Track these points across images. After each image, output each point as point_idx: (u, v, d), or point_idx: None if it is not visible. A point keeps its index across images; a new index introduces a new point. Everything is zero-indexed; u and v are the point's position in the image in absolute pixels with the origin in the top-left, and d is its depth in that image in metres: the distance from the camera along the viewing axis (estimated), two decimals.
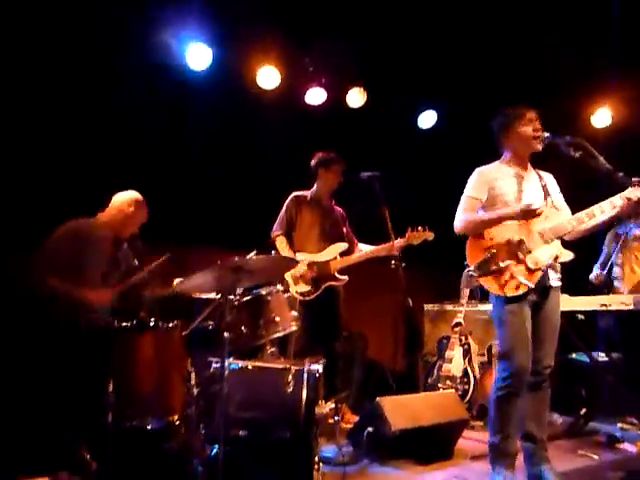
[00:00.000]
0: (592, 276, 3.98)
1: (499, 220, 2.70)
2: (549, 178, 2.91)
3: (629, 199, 2.58)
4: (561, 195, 2.89)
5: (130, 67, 3.90)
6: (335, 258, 3.85)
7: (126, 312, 2.86)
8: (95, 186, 3.54)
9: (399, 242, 3.74)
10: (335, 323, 3.91)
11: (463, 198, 2.84)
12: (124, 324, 2.42)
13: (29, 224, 3.39)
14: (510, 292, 2.62)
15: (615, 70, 4.51)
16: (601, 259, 4.05)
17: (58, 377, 2.50)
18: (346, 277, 3.86)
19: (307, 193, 4.02)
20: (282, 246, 3.84)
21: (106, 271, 3.02)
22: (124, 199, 3.14)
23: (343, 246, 3.91)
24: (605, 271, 3.93)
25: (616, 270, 3.97)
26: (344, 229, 4.05)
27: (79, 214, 3.09)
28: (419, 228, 3.78)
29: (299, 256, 3.80)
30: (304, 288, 3.74)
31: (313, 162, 4.00)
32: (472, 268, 2.69)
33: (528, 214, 2.65)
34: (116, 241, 3.10)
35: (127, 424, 2.27)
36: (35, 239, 3.04)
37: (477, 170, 2.87)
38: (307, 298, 3.72)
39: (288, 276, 3.77)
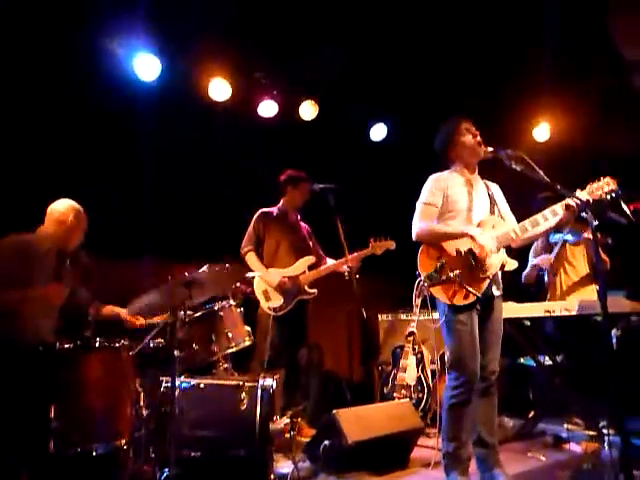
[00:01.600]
0: (524, 274, 4.12)
1: (461, 235, 2.74)
2: (495, 188, 3.02)
3: (568, 206, 2.70)
4: (507, 205, 3.00)
5: (77, 76, 3.79)
6: (304, 272, 3.90)
7: (70, 331, 2.74)
8: (39, 198, 3.38)
9: (363, 252, 3.85)
10: (302, 334, 3.97)
11: (419, 205, 2.87)
12: (68, 345, 2.30)
13: None
14: (459, 301, 2.69)
15: (555, 85, 4.74)
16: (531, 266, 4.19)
17: None
18: (315, 290, 3.93)
19: (274, 209, 4.09)
20: (252, 260, 3.89)
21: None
22: (61, 209, 2.99)
23: (311, 259, 3.98)
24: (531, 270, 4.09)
25: (546, 277, 4.14)
26: (310, 243, 4.12)
27: (20, 226, 2.94)
28: (381, 238, 3.87)
29: (270, 271, 3.84)
30: (276, 303, 3.78)
31: (282, 178, 4.09)
32: (423, 278, 2.76)
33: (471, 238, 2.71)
34: (60, 255, 2.96)
35: (72, 450, 2.17)
36: None
37: (431, 177, 2.92)
38: (279, 313, 3.74)
39: (259, 293, 3.79)
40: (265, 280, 3.82)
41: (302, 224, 4.18)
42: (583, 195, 2.66)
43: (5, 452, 2.24)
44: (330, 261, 4.04)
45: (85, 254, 3.13)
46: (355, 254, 3.84)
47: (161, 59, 4.15)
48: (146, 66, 4.11)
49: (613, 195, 2.64)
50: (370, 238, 3.89)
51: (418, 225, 2.84)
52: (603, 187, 2.68)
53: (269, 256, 3.94)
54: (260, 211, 4.05)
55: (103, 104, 3.96)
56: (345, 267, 3.87)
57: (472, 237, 2.71)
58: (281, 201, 4.12)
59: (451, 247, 2.76)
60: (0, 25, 3.45)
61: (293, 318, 3.84)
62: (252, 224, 4.01)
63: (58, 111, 3.82)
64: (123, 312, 3.02)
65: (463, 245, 2.74)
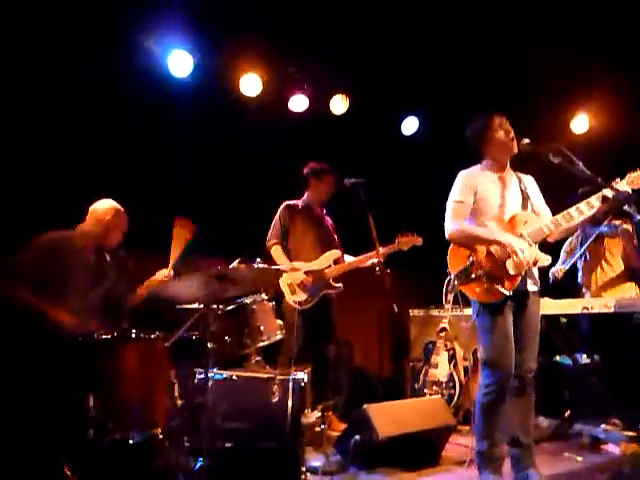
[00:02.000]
0: (553, 270, 3.93)
1: (490, 242, 2.69)
2: (529, 181, 2.94)
3: (605, 198, 2.61)
4: (541, 196, 2.92)
5: (112, 73, 3.86)
6: (330, 266, 3.88)
7: (108, 323, 2.81)
8: (76, 194, 3.48)
9: (389, 248, 3.80)
10: (329, 330, 3.95)
11: (450, 204, 2.82)
12: (105, 336, 2.36)
13: (7, 232, 3.34)
14: (490, 299, 2.65)
15: (593, 77, 4.59)
16: (564, 259, 4.05)
17: (38, 390, 2.43)
18: (341, 285, 3.90)
19: (299, 202, 4.07)
20: (278, 254, 3.86)
21: (88, 285, 2.94)
22: (102, 208, 3.07)
23: (337, 254, 3.95)
24: (567, 267, 3.92)
25: (580, 270, 4.00)
26: (335, 237, 4.09)
27: (60, 223, 3.03)
28: (408, 233, 3.81)
29: (296, 265, 3.82)
30: (301, 297, 3.77)
31: (305, 171, 4.05)
32: (453, 276, 2.73)
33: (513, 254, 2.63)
34: (98, 251, 3.04)
35: (109, 438, 2.22)
36: (12, 248, 2.98)
37: (461, 174, 2.88)
38: (304, 307, 3.73)
39: (284, 285, 3.79)
40: (290, 274, 3.80)
41: (327, 218, 4.15)
42: (622, 186, 2.57)
43: (46, 439, 2.31)
44: (348, 257, 4.00)
45: (124, 250, 3.20)
46: (381, 250, 3.76)
47: (194, 55, 4.20)
48: (179, 63, 4.17)
49: None
50: (397, 234, 3.83)
51: (451, 225, 2.79)
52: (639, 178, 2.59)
53: (294, 249, 3.92)
54: (285, 204, 4.02)
55: (137, 101, 4.02)
56: (371, 262, 3.83)
57: (501, 243, 2.64)
58: (305, 194, 4.08)
59: (482, 245, 2.71)
60: (36, 21, 3.53)
61: (318, 313, 3.82)
62: (277, 217, 3.98)
63: (94, 109, 3.90)
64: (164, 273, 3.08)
65: (494, 244, 2.68)
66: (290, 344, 3.38)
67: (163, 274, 3.12)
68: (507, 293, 2.61)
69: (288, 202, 4.04)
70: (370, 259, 3.84)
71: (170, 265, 3.11)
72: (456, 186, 2.86)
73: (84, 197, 3.19)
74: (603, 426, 3.58)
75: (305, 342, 3.67)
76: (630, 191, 2.56)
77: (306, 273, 3.82)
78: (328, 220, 4.15)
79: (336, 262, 3.93)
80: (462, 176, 2.87)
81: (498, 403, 2.66)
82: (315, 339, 3.82)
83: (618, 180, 2.62)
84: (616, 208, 2.65)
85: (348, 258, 4.01)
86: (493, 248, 2.67)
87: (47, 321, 2.68)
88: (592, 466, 3.12)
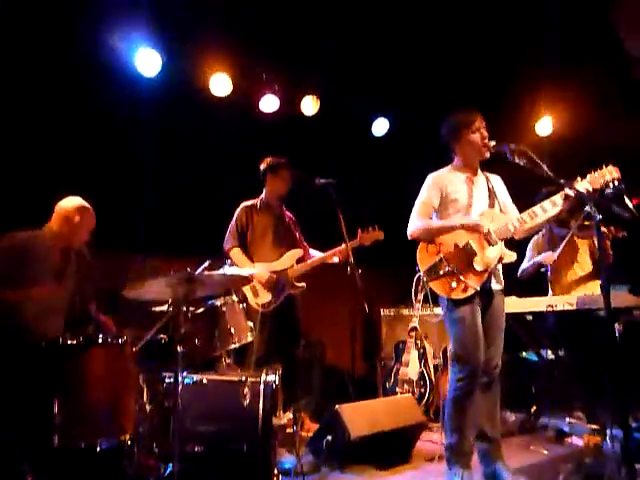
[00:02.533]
0: (523, 268, 4.00)
1: (451, 229, 2.78)
2: (496, 180, 3.01)
3: (567, 196, 2.70)
4: (508, 196, 2.99)
5: (79, 71, 3.79)
6: (292, 266, 3.82)
7: (73, 327, 2.75)
8: (43, 192, 3.38)
9: (351, 243, 3.73)
10: (295, 330, 3.89)
11: (417, 204, 2.89)
12: (71, 341, 2.31)
13: None
14: (458, 295, 2.70)
15: (557, 80, 4.72)
16: (530, 256, 4.12)
17: (2, 395, 2.36)
18: (304, 284, 3.85)
19: (256, 201, 3.96)
20: (238, 257, 3.77)
21: (54, 284, 2.87)
22: (68, 207, 3.00)
23: (298, 252, 3.88)
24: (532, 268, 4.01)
25: (549, 273, 4.10)
26: (296, 234, 4.01)
27: (26, 221, 2.95)
28: (369, 228, 3.82)
29: (257, 266, 3.75)
30: (265, 299, 3.69)
31: (261, 167, 3.95)
32: (422, 273, 2.78)
33: (471, 229, 2.75)
34: (64, 252, 2.97)
35: (76, 445, 2.18)
36: None
37: (430, 176, 2.94)
38: (268, 309, 3.67)
39: (246, 288, 3.71)
40: (253, 276, 3.67)
41: (287, 213, 4.05)
42: (583, 185, 2.66)
43: (10, 447, 2.25)
44: (314, 252, 3.95)
45: (87, 250, 3.13)
46: (342, 246, 3.73)
47: (162, 54, 4.14)
48: (147, 61, 4.10)
49: (616, 184, 2.63)
50: (358, 229, 3.81)
51: (414, 223, 2.86)
52: (605, 175, 2.68)
53: (255, 250, 3.81)
54: (242, 205, 3.92)
55: (104, 100, 3.95)
56: (335, 259, 3.81)
57: (468, 226, 2.73)
58: (263, 191, 3.97)
59: (449, 242, 2.77)
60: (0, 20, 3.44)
61: (283, 313, 3.75)
62: (234, 219, 3.88)
63: (60, 107, 3.82)
64: (110, 324, 3.04)
65: (460, 239, 2.75)
66: (255, 346, 3.33)
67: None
68: (476, 287, 2.67)
69: (245, 202, 3.94)
70: (334, 256, 3.80)
71: None
72: (424, 188, 2.92)
73: (51, 195, 3.11)
74: (568, 419, 3.68)
75: (271, 343, 3.59)
76: (590, 189, 2.64)
77: (272, 272, 3.74)
78: (288, 215, 4.04)
79: (298, 261, 3.86)
80: (430, 177, 2.93)
81: (468, 396, 2.71)
82: (282, 340, 3.76)
83: (579, 179, 2.70)
84: (578, 207, 2.72)
85: (316, 253, 3.95)
86: (460, 243, 2.72)
87: (16, 313, 2.61)
88: (557, 458, 3.21)
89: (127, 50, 4.05)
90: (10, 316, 2.66)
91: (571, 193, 2.65)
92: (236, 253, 3.79)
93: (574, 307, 3.33)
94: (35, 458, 2.20)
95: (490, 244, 2.74)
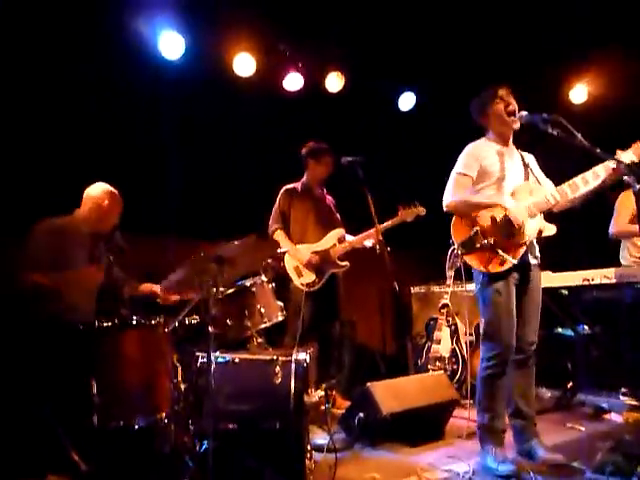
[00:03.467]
0: (613, 230, 3.79)
1: (493, 205, 2.70)
2: (530, 158, 2.93)
3: (611, 168, 2.58)
4: (542, 173, 2.90)
5: (103, 56, 3.81)
6: (334, 245, 3.89)
7: (107, 311, 2.82)
8: (70, 178, 3.46)
9: (392, 221, 3.79)
10: (335, 309, 3.97)
11: (454, 175, 2.81)
12: (105, 323, 2.37)
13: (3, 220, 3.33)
14: (494, 269, 2.63)
15: (590, 47, 4.51)
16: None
17: (42, 378, 2.46)
18: (347, 263, 3.92)
19: (297, 185, 4.04)
20: (281, 238, 3.87)
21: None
22: (97, 193, 3.05)
23: (340, 232, 3.96)
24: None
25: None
26: (337, 215, 4.09)
27: (55, 207, 3.02)
28: (410, 205, 3.80)
29: (299, 247, 3.84)
30: (309, 279, 3.79)
31: (303, 152, 4.02)
32: (457, 246, 2.71)
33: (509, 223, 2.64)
34: (94, 237, 3.03)
35: (114, 424, 2.25)
36: (11, 235, 2.98)
37: (468, 146, 2.85)
38: (313, 288, 3.76)
39: (291, 269, 3.80)
40: (295, 257, 3.81)
41: (328, 197, 4.14)
42: (627, 156, 2.53)
43: (52, 426, 2.34)
44: (349, 237, 3.99)
45: (119, 234, 3.18)
46: (385, 224, 3.77)
47: (185, 37, 4.12)
48: (171, 44, 4.09)
49: None
50: (398, 206, 3.82)
51: (450, 196, 2.77)
52: None
53: (297, 232, 3.92)
54: (284, 188, 4.01)
55: (129, 84, 3.98)
56: (369, 243, 3.83)
57: (504, 208, 2.64)
58: (305, 175, 4.06)
59: (486, 215, 2.69)
60: (24, 7, 3.47)
61: (325, 292, 3.84)
62: (277, 203, 3.98)
63: (85, 92, 3.86)
64: (158, 288, 3.08)
65: (498, 212, 2.67)
66: (295, 325, 3.40)
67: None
68: (513, 261, 2.61)
69: (287, 186, 4.03)
70: (372, 236, 3.81)
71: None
72: (461, 158, 2.83)
73: (79, 182, 3.17)
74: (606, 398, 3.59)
75: (311, 322, 3.69)
76: (636, 160, 2.52)
77: (312, 253, 3.83)
78: (329, 199, 4.13)
79: (340, 241, 3.93)
80: (468, 148, 2.85)
81: (499, 376, 2.68)
82: (321, 318, 3.84)
83: (619, 152, 2.57)
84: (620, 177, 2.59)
85: (349, 238, 4.00)
86: (499, 218, 2.65)
87: (56, 309, 2.70)
88: (594, 435, 3.15)
89: (150, 34, 4.04)
90: (48, 300, 2.74)
91: (614, 165, 2.54)
92: (279, 235, 3.90)
93: (612, 280, 3.23)
94: (77, 437, 2.29)
95: (529, 216, 2.66)
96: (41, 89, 3.71)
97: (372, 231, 3.77)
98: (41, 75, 3.69)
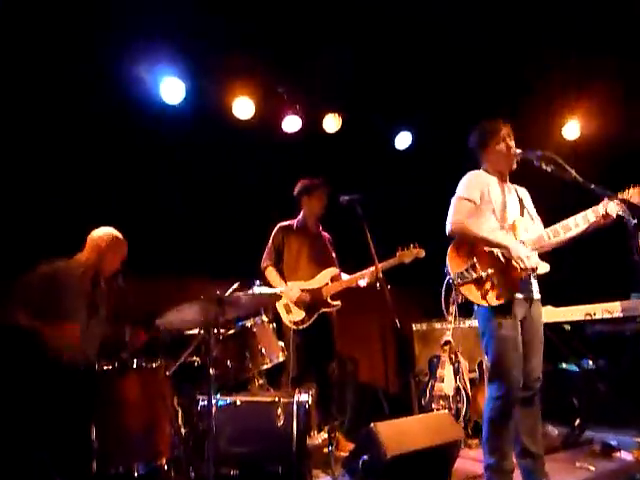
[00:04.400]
0: None
1: (498, 245, 2.66)
2: (523, 192, 2.96)
3: (601, 214, 2.61)
4: (534, 210, 2.93)
5: (104, 102, 3.90)
6: (327, 284, 3.85)
7: (108, 353, 2.80)
8: (72, 220, 3.50)
9: (390, 262, 3.75)
10: (329, 349, 3.88)
11: (456, 200, 2.77)
12: (106, 366, 2.35)
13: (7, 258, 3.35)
14: (492, 301, 2.60)
15: (584, 83, 4.63)
16: None
17: (40, 422, 2.41)
18: (339, 302, 3.86)
19: (293, 222, 4.05)
20: (272, 276, 3.84)
21: (85, 313, 2.94)
22: (99, 236, 3.09)
23: (334, 271, 3.92)
24: None
25: None
26: (333, 254, 4.06)
27: (56, 249, 3.04)
28: (410, 246, 3.80)
29: (290, 285, 3.80)
30: (298, 317, 3.73)
31: (296, 190, 4.04)
32: (453, 276, 2.67)
33: (517, 263, 2.63)
34: (94, 280, 3.04)
35: (113, 470, 2.20)
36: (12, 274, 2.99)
37: (470, 173, 2.84)
38: (301, 326, 3.70)
39: (280, 306, 3.76)
40: (285, 294, 3.75)
41: (324, 234, 4.12)
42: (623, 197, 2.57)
43: (49, 472, 2.28)
44: (345, 276, 3.95)
45: (121, 277, 3.20)
46: (382, 264, 3.70)
47: (185, 82, 4.24)
48: (171, 90, 4.20)
49: None
50: (398, 247, 3.82)
51: (453, 219, 2.73)
52: (637, 195, 2.59)
53: (290, 269, 3.88)
54: (279, 225, 4.02)
55: (131, 129, 4.07)
56: (363, 282, 3.79)
57: (509, 250, 2.63)
58: (301, 213, 4.07)
59: (483, 247, 2.68)
60: (27, 52, 3.58)
61: (318, 331, 3.76)
62: (271, 239, 3.97)
63: (88, 138, 3.94)
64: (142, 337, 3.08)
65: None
66: (291, 365, 3.35)
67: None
68: (511, 295, 2.59)
69: (282, 223, 4.04)
70: (366, 276, 3.79)
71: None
72: (464, 183, 2.81)
73: (82, 224, 3.21)
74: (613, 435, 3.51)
75: (306, 362, 3.62)
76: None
77: (302, 291, 3.78)
78: (325, 236, 4.12)
79: (334, 279, 3.89)
80: (471, 174, 2.84)
81: (508, 415, 2.63)
82: (316, 358, 3.77)
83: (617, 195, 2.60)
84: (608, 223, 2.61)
85: (344, 277, 3.96)
86: (496, 251, 2.65)
87: (47, 344, 2.67)
88: (605, 474, 3.07)
89: (152, 80, 4.16)
90: (46, 345, 2.72)
91: (603, 212, 2.57)
92: (270, 272, 3.87)
93: (613, 315, 3.22)
94: None
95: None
96: (44, 133, 3.79)
97: (366, 271, 3.77)
98: (45, 119, 3.77)
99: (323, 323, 3.81)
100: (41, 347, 2.69)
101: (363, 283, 3.86)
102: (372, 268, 3.72)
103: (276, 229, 4.01)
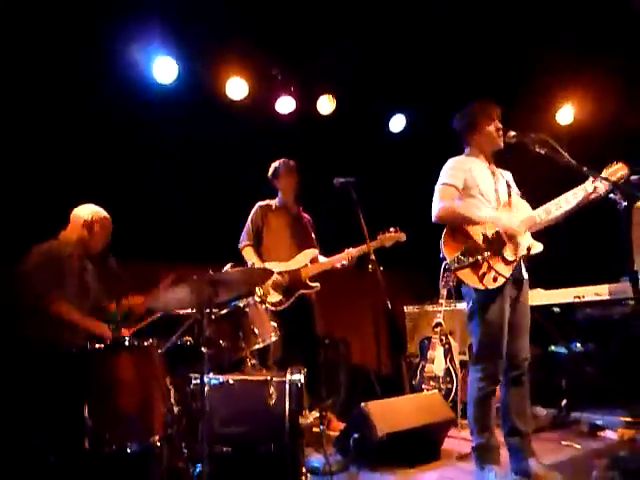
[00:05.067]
0: None
1: (479, 221, 2.69)
2: (508, 176, 2.97)
3: (589, 191, 2.66)
4: (519, 192, 2.95)
5: (96, 81, 3.85)
6: (306, 265, 3.81)
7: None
8: (61, 200, 3.45)
9: (370, 245, 3.69)
10: (311, 332, 3.86)
11: (439, 187, 2.80)
12: (98, 345, 2.35)
13: None
14: (489, 284, 2.62)
15: (577, 68, 4.62)
16: None
17: (32, 402, 2.42)
18: (318, 284, 3.83)
19: (272, 202, 4.01)
20: (250, 256, 3.80)
21: (78, 293, 2.94)
22: (84, 214, 3.05)
23: (313, 252, 3.87)
24: None
25: None
26: (313, 235, 4.02)
27: (43, 230, 3.01)
28: (390, 229, 3.79)
29: (268, 265, 3.73)
30: (275, 298, 3.70)
31: (268, 175, 4.02)
32: (449, 261, 2.67)
33: (503, 234, 2.67)
34: (82, 260, 3.02)
35: (106, 448, 2.21)
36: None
37: (451, 159, 2.86)
38: (279, 308, 3.67)
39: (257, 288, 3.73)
40: None
41: (304, 215, 4.08)
42: (604, 176, 2.60)
43: (43, 451, 2.30)
44: (322, 259, 3.92)
45: (113, 259, 3.18)
46: (360, 247, 3.71)
47: (178, 61, 4.19)
48: (164, 69, 4.15)
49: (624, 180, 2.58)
50: (378, 232, 3.79)
51: (438, 205, 2.75)
52: (617, 172, 2.63)
53: (269, 249, 3.84)
54: (258, 204, 3.97)
55: (123, 108, 4.01)
56: (344, 262, 3.78)
57: (498, 221, 2.66)
58: (278, 194, 4.03)
59: (477, 230, 2.69)
60: (17, 32, 3.52)
61: (298, 314, 3.74)
62: (250, 218, 3.93)
63: (78, 117, 3.89)
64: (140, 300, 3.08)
65: (489, 229, 2.69)
66: (272, 348, 3.34)
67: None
68: (507, 276, 2.61)
69: (261, 202, 3.99)
70: (343, 259, 3.78)
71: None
72: (446, 170, 2.83)
73: (69, 202, 3.17)
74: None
75: (288, 343, 3.57)
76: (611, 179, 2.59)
77: (280, 273, 3.72)
78: (305, 217, 4.07)
79: (313, 261, 3.85)
80: (452, 161, 2.86)
81: (492, 394, 2.69)
82: (300, 342, 3.75)
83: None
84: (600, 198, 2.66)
85: (322, 259, 3.92)
86: (490, 233, 2.67)
87: (47, 330, 2.68)
88: (591, 452, 3.14)
89: (144, 59, 4.11)
90: (42, 325, 2.72)
91: (600, 185, 2.61)
92: (247, 252, 3.83)
93: (602, 297, 3.26)
94: (69, 462, 2.25)
95: (517, 233, 2.69)
96: (35, 115, 3.73)
97: (346, 252, 3.77)
98: (36, 100, 3.71)
99: (303, 305, 3.78)
100: (38, 329, 2.70)
101: (338, 265, 3.83)
102: (344, 252, 3.76)
103: (255, 208, 3.97)
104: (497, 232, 2.68)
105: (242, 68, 4.52)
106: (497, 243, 2.66)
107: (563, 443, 3.32)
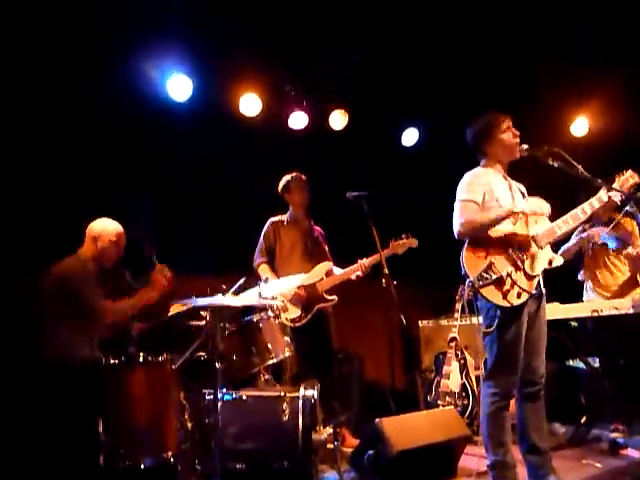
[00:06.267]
0: (564, 248, 3.86)
1: (497, 221, 2.65)
2: (522, 188, 2.93)
3: (605, 201, 2.65)
4: None
5: (112, 99, 3.92)
6: (322, 279, 3.79)
7: (115, 347, 2.81)
8: (77, 217, 3.51)
9: (384, 252, 3.67)
10: (328, 346, 3.84)
11: (459, 203, 2.73)
12: (113, 361, 2.37)
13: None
14: (514, 301, 2.56)
15: (592, 79, 4.60)
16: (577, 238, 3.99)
17: (48, 417, 2.44)
18: (335, 297, 3.80)
19: (283, 217, 4.02)
20: (265, 273, 3.77)
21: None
22: (98, 229, 3.09)
23: (328, 265, 3.86)
24: None
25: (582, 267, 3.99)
26: (326, 248, 4.02)
27: (63, 245, 3.06)
28: (402, 236, 3.78)
29: (285, 280, 3.74)
30: (295, 313, 3.68)
31: (279, 189, 4.03)
32: (472, 279, 2.60)
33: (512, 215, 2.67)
34: (100, 275, 3.06)
35: (120, 464, 2.22)
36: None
37: (468, 174, 2.80)
38: (298, 324, 3.66)
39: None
40: (280, 292, 3.65)
41: (316, 228, 4.08)
42: (615, 187, 2.59)
43: (57, 466, 2.31)
44: (337, 270, 3.90)
45: (128, 273, 3.21)
46: (374, 256, 3.68)
47: (192, 79, 4.25)
48: (179, 87, 4.21)
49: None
50: (391, 239, 3.76)
51: (459, 221, 2.69)
52: (628, 180, 2.61)
53: (282, 265, 3.83)
54: (269, 220, 3.99)
55: (138, 126, 4.08)
56: (358, 273, 3.76)
57: (508, 213, 2.64)
58: (289, 209, 4.04)
59: (497, 245, 2.64)
60: (35, 51, 3.60)
61: (316, 329, 3.71)
62: (262, 235, 3.94)
63: (94, 135, 3.95)
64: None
65: (510, 243, 2.64)
66: (289, 363, 3.31)
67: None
68: (531, 292, 2.57)
69: (272, 218, 4.00)
70: (357, 270, 3.76)
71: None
72: (464, 185, 2.77)
73: (87, 217, 3.21)
74: (615, 433, 3.50)
75: (306, 360, 3.55)
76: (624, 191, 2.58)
77: (299, 287, 3.71)
78: (317, 230, 4.06)
79: (328, 274, 3.82)
80: (470, 175, 2.80)
81: (504, 408, 2.64)
82: (316, 357, 3.71)
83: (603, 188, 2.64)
84: (613, 208, 2.66)
85: (337, 270, 3.90)
86: (510, 251, 2.63)
87: (62, 347, 2.71)
88: (612, 471, 3.06)
89: (159, 77, 4.18)
90: (58, 342, 2.74)
91: (612, 195, 2.59)
92: (262, 269, 3.83)
93: (621, 311, 3.20)
94: (83, 478, 2.26)
95: (538, 247, 2.66)
96: (54, 132, 3.80)
97: (361, 262, 3.74)
98: (51, 116, 3.78)
99: (320, 320, 3.76)
100: (54, 345, 2.72)
101: (354, 277, 3.81)
102: (359, 263, 3.74)
103: (267, 225, 3.97)
104: (519, 247, 2.63)
105: (255, 84, 4.58)
106: (518, 257, 2.60)
107: (583, 462, 3.23)
